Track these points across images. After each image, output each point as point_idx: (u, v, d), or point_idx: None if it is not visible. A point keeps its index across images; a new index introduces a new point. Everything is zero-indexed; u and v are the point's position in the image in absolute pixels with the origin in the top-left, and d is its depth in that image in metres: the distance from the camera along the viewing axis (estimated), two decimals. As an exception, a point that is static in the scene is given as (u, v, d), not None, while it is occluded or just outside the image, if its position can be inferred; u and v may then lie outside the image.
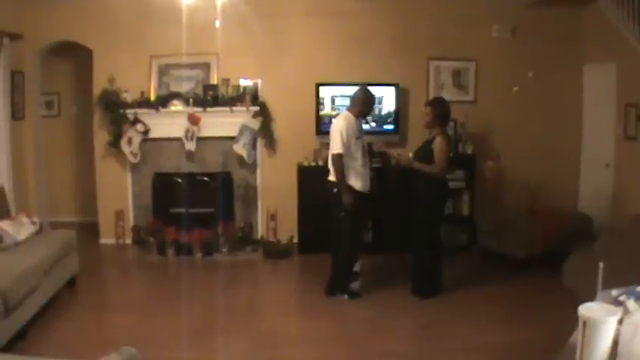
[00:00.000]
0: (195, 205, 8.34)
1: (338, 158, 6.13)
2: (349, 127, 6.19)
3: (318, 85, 8.07)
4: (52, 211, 9.01)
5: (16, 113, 8.03)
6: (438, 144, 6.19)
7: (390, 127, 8.23)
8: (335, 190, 6.26)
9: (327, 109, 8.04)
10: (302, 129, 8.19)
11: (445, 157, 6.20)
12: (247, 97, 8.11)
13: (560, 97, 8.55)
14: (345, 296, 6.40)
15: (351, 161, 6.19)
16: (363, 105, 6.39)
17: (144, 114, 8.10)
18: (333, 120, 6.56)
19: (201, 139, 8.18)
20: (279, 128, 8.31)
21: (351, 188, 6.19)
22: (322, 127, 8.02)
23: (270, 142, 8.32)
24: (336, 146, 6.14)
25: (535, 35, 8.43)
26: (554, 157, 8.57)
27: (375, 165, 7.67)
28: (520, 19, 8.42)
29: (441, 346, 5.22)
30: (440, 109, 6.32)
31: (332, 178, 6.31)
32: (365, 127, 7.84)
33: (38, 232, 6.31)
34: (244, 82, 8.22)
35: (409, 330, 5.73)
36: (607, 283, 3.96)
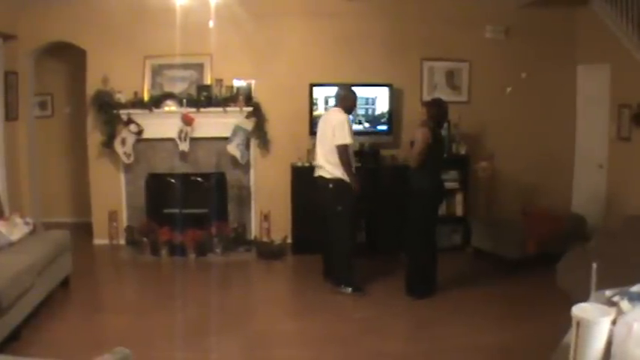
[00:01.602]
0: (188, 205, 8.33)
1: (345, 149, 6.28)
2: (348, 120, 6.41)
3: (312, 85, 8.06)
4: (45, 212, 8.98)
5: (10, 114, 8.00)
6: (418, 135, 6.23)
7: (384, 127, 8.23)
8: (330, 185, 6.38)
9: (320, 110, 8.01)
10: (295, 129, 8.17)
11: (419, 151, 6.18)
12: (241, 98, 8.10)
13: (553, 97, 8.57)
14: (349, 289, 6.46)
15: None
16: (349, 101, 6.59)
17: (137, 114, 8.07)
18: (326, 116, 6.69)
19: (194, 140, 8.16)
20: (272, 129, 8.29)
21: (343, 181, 6.34)
22: (316, 127, 8.02)
23: (264, 143, 8.30)
24: (343, 137, 6.27)
25: (529, 36, 8.45)
26: (547, 157, 8.59)
27: (369, 166, 7.71)
28: (513, 20, 8.43)
29: (435, 346, 5.22)
30: (436, 111, 6.31)
31: (325, 174, 6.44)
32: (358, 127, 7.90)
33: (32, 233, 6.28)
34: (238, 83, 8.20)
35: (403, 330, 5.73)
36: (601, 284, 3.96)
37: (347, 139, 6.27)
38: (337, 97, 6.69)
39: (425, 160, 6.19)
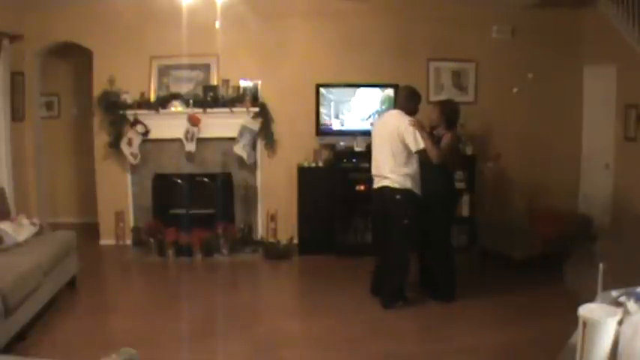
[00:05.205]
0: (195, 206, 8.35)
1: (424, 150, 5.86)
2: None
3: (318, 86, 8.07)
4: (52, 212, 9.02)
5: (16, 114, 8.04)
6: (449, 139, 6.10)
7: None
8: (398, 196, 5.96)
9: (326, 110, 8.04)
10: (302, 130, 8.19)
11: (449, 150, 6.06)
12: (247, 98, 8.11)
13: (560, 98, 8.55)
14: (401, 302, 6.20)
15: (409, 165, 5.94)
16: (413, 102, 6.12)
17: (144, 115, 8.10)
18: (386, 121, 6.20)
19: (201, 140, 8.18)
20: (279, 129, 8.30)
21: (411, 192, 5.98)
22: (321, 128, 8.06)
23: (270, 143, 8.30)
24: (416, 142, 5.81)
25: (535, 36, 8.43)
26: (554, 157, 8.57)
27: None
28: (520, 20, 8.42)
29: (441, 347, 5.21)
30: (449, 109, 6.28)
31: (391, 184, 5.98)
32: (365, 127, 7.86)
33: (38, 233, 6.29)
34: (244, 83, 8.21)
35: (409, 331, 5.70)
36: (607, 284, 3.96)
37: (421, 144, 5.80)
38: (400, 97, 6.32)
39: (446, 162, 6.09)
